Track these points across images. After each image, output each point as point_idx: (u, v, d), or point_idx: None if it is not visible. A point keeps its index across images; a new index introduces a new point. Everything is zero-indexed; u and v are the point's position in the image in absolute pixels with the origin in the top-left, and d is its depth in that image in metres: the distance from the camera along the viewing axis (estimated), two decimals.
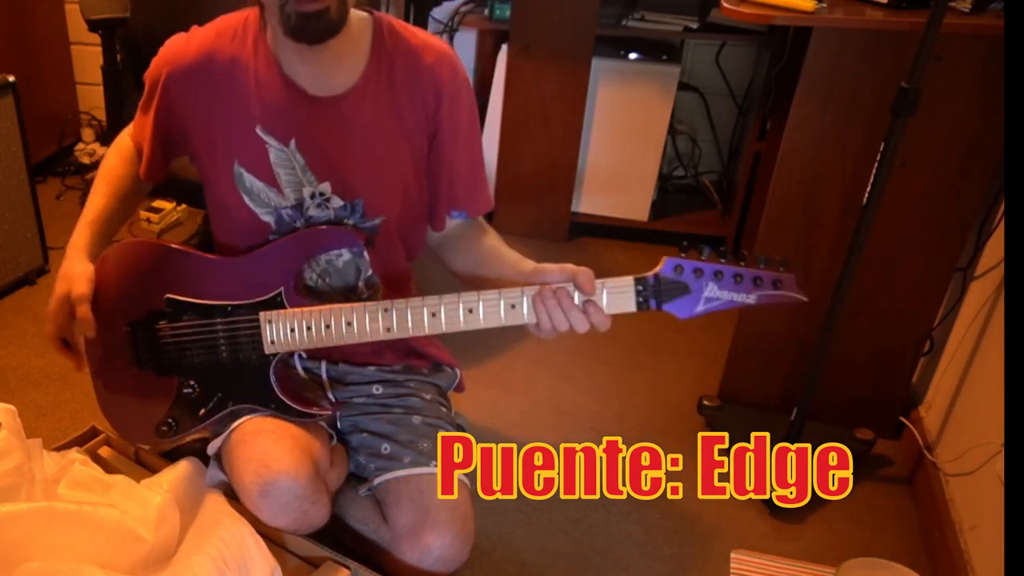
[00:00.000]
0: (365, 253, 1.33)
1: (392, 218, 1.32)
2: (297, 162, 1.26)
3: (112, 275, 1.31)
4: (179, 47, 1.27)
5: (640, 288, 1.13)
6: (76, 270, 1.27)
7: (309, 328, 1.23)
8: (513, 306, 1.15)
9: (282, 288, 1.25)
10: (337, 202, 1.29)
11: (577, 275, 1.12)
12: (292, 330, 1.24)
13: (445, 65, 1.28)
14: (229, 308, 1.27)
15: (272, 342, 1.26)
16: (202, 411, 1.31)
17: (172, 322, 1.29)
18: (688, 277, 1.12)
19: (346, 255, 1.33)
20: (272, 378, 1.28)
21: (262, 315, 1.25)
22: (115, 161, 1.39)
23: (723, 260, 1.13)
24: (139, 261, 1.31)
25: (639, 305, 1.14)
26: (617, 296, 1.14)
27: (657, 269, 1.13)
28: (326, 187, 1.28)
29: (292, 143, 1.25)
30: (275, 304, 1.25)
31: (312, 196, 1.28)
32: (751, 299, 1.13)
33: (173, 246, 1.32)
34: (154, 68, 1.30)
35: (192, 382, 1.31)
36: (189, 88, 1.25)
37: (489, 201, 1.39)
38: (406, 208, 1.34)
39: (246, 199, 1.28)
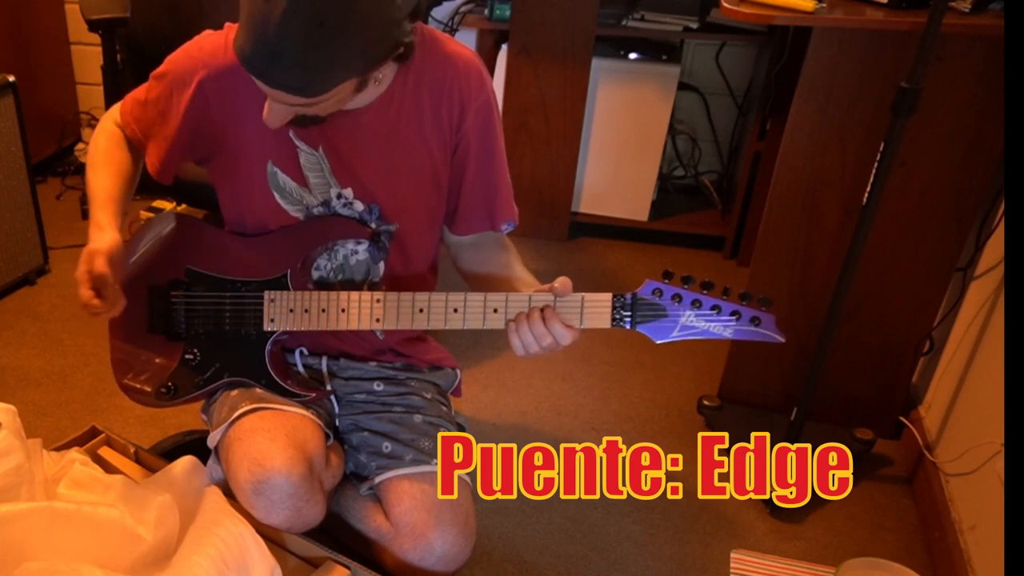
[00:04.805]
0: (381, 263, 1.35)
1: (406, 224, 1.33)
2: (325, 166, 1.28)
3: (144, 241, 1.38)
4: (216, 48, 1.24)
5: (617, 304, 1.17)
6: (98, 246, 1.20)
7: (307, 310, 1.29)
8: (495, 310, 1.20)
9: (289, 270, 1.30)
10: (359, 205, 1.31)
11: (554, 285, 1.17)
12: (291, 310, 1.30)
13: (472, 78, 1.27)
14: (239, 283, 1.32)
15: (272, 319, 1.31)
16: (200, 379, 1.37)
17: (187, 291, 1.35)
18: (666, 302, 1.16)
19: (361, 254, 1.34)
20: (266, 356, 1.33)
21: (267, 293, 1.31)
22: (109, 146, 1.36)
23: (705, 291, 1.16)
24: (171, 232, 1.37)
25: (613, 320, 1.18)
26: (593, 309, 1.17)
27: (637, 289, 1.16)
28: (349, 192, 1.30)
29: (320, 148, 1.27)
30: (281, 285, 1.31)
31: (338, 197, 1.30)
32: (727, 332, 1.17)
33: (201, 221, 1.38)
34: (184, 67, 1.26)
35: (195, 350, 1.36)
36: (227, 88, 1.24)
37: (513, 212, 1.39)
38: (421, 216, 1.35)
39: (276, 196, 1.30)
